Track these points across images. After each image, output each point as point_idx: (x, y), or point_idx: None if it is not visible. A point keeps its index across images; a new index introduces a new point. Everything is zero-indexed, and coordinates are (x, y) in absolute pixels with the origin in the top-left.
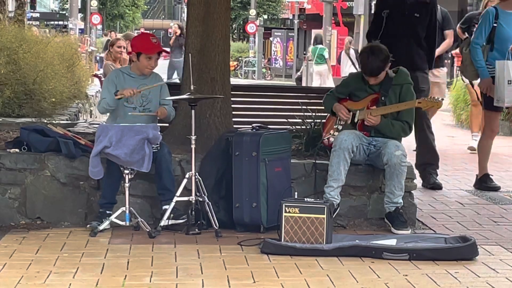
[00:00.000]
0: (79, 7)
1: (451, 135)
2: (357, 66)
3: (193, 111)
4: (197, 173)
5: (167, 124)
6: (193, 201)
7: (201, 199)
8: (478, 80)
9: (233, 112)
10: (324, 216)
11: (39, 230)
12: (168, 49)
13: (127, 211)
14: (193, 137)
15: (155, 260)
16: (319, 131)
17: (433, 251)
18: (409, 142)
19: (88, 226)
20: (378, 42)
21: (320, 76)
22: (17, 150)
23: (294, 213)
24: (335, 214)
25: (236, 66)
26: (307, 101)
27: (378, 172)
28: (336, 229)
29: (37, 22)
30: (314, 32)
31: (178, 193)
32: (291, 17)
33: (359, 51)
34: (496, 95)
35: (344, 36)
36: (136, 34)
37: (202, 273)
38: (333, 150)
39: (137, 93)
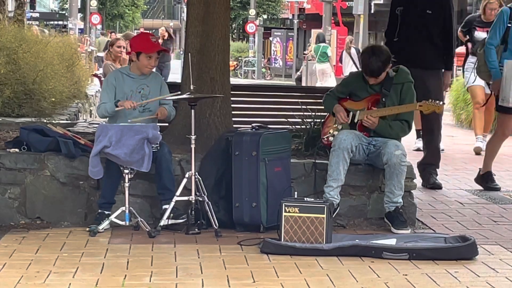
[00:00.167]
0: (79, 7)
1: (451, 135)
2: (358, 65)
3: (192, 111)
4: (197, 173)
5: (167, 124)
6: (193, 201)
7: (201, 199)
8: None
9: (233, 112)
10: (324, 215)
11: (39, 230)
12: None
13: (127, 211)
14: (193, 137)
15: (155, 260)
16: (318, 131)
17: (433, 250)
18: (409, 142)
19: (87, 229)
20: (382, 44)
21: (323, 74)
22: (16, 150)
23: (294, 212)
24: (335, 213)
25: (235, 66)
26: (306, 101)
27: (378, 171)
28: (336, 229)
29: (37, 22)
30: (314, 32)
31: (178, 193)
32: (290, 17)
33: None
34: (502, 95)
35: (343, 36)
36: (135, 34)
37: (202, 273)
38: (332, 150)
39: (137, 106)
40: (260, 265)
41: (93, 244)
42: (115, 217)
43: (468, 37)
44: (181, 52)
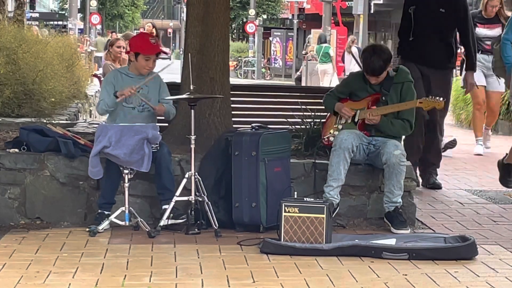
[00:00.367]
0: (79, 7)
1: (450, 134)
2: (360, 64)
3: (192, 111)
4: (196, 173)
5: (167, 124)
6: (193, 201)
7: (200, 199)
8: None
9: (233, 112)
10: (324, 215)
11: (39, 230)
12: (167, 49)
13: (127, 211)
14: (193, 137)
15: (155, 260)
16: (318, 131)
17: (432, 250)
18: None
19: (87, 229)
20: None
21: (325, 75)
22: (16, 150)
23: (293, 212)
24: (334, 213)
25: (235, 66)
26: (306, 101)
27: (378, 171)
28: (335, 229)
29: (37, 22)
30: (314, 32)
31: (177, 193)
32: (290, 17)
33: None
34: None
35: (343, 36)
36: (135, 34)
37: (201, 273)
38: (333, 150)
39: (137, 88)
40: (260, 265)
41: (93, 244)
42: (115, 217)
43: None
44: (181, 52)
